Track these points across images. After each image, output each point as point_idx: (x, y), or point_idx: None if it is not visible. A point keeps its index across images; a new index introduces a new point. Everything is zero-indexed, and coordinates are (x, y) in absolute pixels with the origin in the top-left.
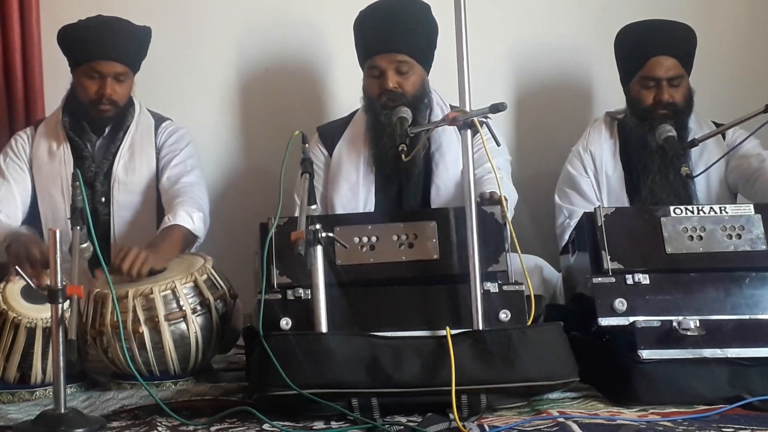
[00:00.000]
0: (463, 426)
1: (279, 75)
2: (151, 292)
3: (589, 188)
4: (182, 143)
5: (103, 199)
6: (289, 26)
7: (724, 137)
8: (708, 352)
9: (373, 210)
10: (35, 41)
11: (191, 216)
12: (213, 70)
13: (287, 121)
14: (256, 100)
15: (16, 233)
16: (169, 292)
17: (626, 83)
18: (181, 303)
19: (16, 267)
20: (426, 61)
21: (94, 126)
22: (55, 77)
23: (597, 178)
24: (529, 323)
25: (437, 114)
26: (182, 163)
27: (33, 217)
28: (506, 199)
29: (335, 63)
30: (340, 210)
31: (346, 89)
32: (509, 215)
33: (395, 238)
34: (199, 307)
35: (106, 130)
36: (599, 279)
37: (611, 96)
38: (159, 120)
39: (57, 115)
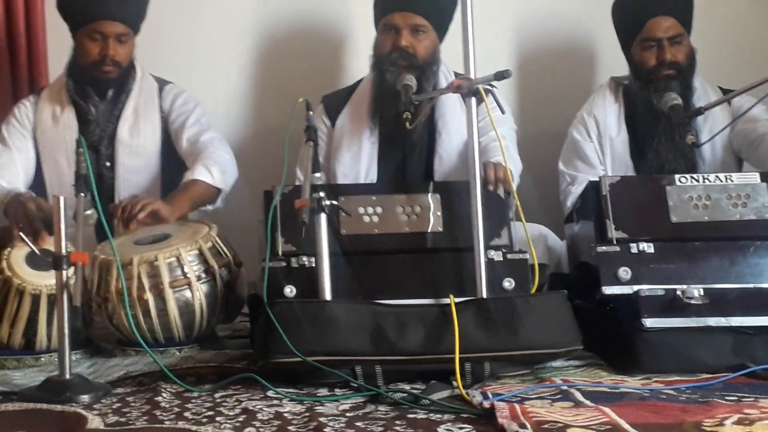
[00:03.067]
0: (467, 393)
1: (292, 42)
2: (156, 259)
3: (592, 153)
4: (191, 104)
5: (108, 163)
6: None
7: (729, 103)
8: (712, 321)
9: (375, 179)
10: (38, 7)
11: (209, 169)
12: (225, 37)
13: (298, 90)
14: (268, 69)
15: (13, 193)
16: (173, 259)
17: (627, 49)
18: (186, 270)
19: (20, 234)
20: (441, 29)
21: (97, 89)
22: (59, 43)
23: (601, 143)
24: (533, 292)
25: (442, 83)
26: (197, 123)
27: (38, 183)
28: (511, 172)
29: (353, 31)
30: (341, 179)
31: (362, 59)
32: (514, 185)
33: (399, 209)
34: (203, 275)
35: (109, 93)
36: (603, 248)
37: (614, 61)
38: (162, 83)
39: (60, 80)
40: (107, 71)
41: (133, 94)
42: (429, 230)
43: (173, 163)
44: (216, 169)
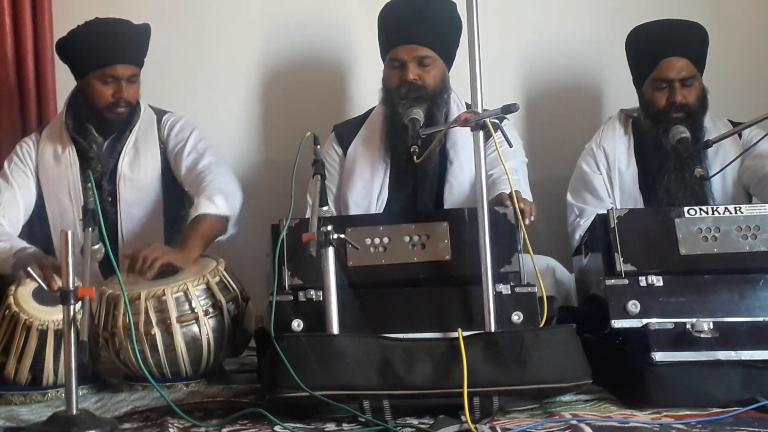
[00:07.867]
0: (475, 428)
1: (299, 75)
2: (164, 294)
3: (601, 186)
4: (187, 131)
5: (110, 198)
6: (312, 26)
7: (740, 136)
8: (722, 355)
9: (386, 207)
10: (48, 44)
11: (212, 200)
12: (232, 71)
13: (305, 123)
14: (275, 103)
15: (22, 250)
16: (181, 293)
17: (639, 86)
18: (193, 305)
19: (28, 269)
20: (448, 57)
21: (104, 128)
22: (68, 79)
23: (609, 175)
24: (542, 325)
25: (453, 112)
26: (194, 150)
27: (41, 221)
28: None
29: (358, 63)
30: (353, 208)
31: (367, 90)
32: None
33: (407, 239)
34: (211, 309)
35: (115, 132)
36: (612, 281)
37: (622, 96)
38: (160, 114)
39: (60, 118)
40: (121, 112)
41: (135, 129)
42: (437, 259)
43: (175, 194)
44: (219, 198)
